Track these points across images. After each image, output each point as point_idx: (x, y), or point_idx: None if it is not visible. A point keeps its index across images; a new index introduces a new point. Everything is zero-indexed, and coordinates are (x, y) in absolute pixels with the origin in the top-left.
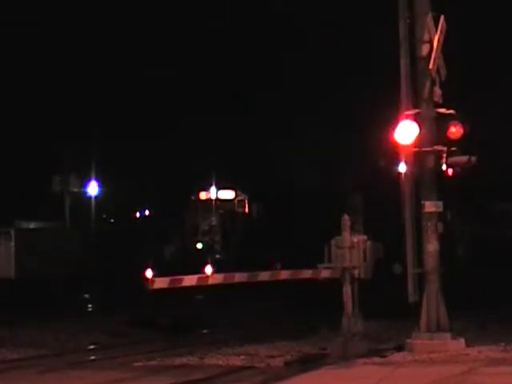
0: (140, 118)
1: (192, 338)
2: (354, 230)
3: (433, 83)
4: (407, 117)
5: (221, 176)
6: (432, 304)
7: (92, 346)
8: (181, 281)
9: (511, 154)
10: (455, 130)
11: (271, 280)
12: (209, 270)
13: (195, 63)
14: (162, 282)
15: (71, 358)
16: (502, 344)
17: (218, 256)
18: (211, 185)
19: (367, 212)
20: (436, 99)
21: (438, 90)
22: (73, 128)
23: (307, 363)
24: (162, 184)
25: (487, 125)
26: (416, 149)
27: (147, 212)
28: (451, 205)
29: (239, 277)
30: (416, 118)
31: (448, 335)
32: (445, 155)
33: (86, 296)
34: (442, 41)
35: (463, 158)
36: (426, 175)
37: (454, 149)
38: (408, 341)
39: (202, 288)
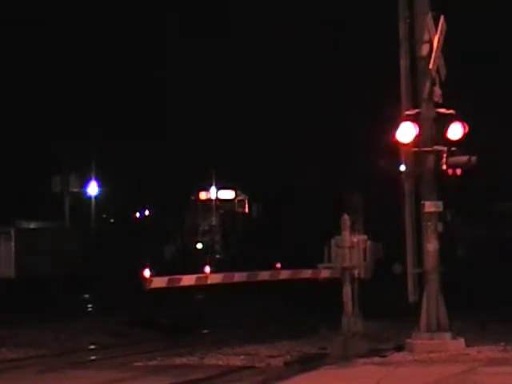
0: (140, 117)
1: (192, 338)
2: (353, 229)
3: (433, 83)
4: (407, 117)
5: (221, 176)
6: (432, 304)
7: (92, 346)
8: (179, 280)
9: (511, 154)
10: (455, 130)
11: (271, 280)
12: (208, 269)
13: (195, 63)
14: (160, 282)
15: (71, 357)
16: (502, 344)
17: (218, 256)
18: (211, 185)
19: (367, 212)
20: (436, 99)
21: (438, 90)
22: (73, 128)
23: (307, 363)
24: (162, 184)
25: (487, 125)
26: (416, 149)
27: (147, 212)
28: (451, 205)
29: (239, 276)
30: (416, 118)
31: (448, 335)
32: (445, 155)
33: (86, 296)
34: (441, 41)
35: (463, 158)
36: (426, 175)
37: (453, 149)
38: (408, 341)
39: (202, 288)
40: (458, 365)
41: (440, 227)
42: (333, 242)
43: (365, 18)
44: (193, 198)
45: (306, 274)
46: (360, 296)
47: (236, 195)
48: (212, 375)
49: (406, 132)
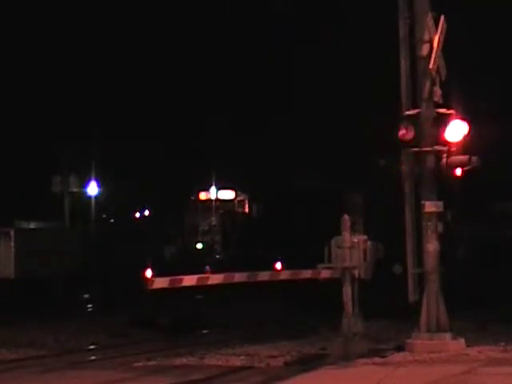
0: (140, 117)
1: (192, 338)
2: (354, 230)
3: (433, 83)
4: (407, 117)
5: (221, 176)
6: (432, 304)
7: (92, 346)
8: (180, 281)
9: (511, 154)
10: (455, 130)
11: (271, 280)
12: (208, 269)
13: (195, 63)
14: (161, 282)
15: (71, 357)
16: (502, 344)
17: (218, 256)
18: (211, 185)
19: (367, 212)
20: (436, 99)
21: (438, 90)
22: (73, 128)
23: (307, 363)
24: (162, 184)
25: (487, 125)
26: (416, 149)
27: (147, 212)
28: (451, 205)
29: (239, 277)
30: (416, 118)
31: (448, 335)
32: (445, 155)
33: (86, 296)
34: (442, 41)
35: (463, 158)
36: (426, 175)
37: (453, 149)
38: (408, 341)
39: (202, 288)
40: (458, 365)
41: (440, 227)
42: (333, 242)
43: (365, 17)
44: (193, 198)
45: (306, 274)
46: (360, 296)
47: (236, 195)
48: (212, 375)
49: (407, 132)
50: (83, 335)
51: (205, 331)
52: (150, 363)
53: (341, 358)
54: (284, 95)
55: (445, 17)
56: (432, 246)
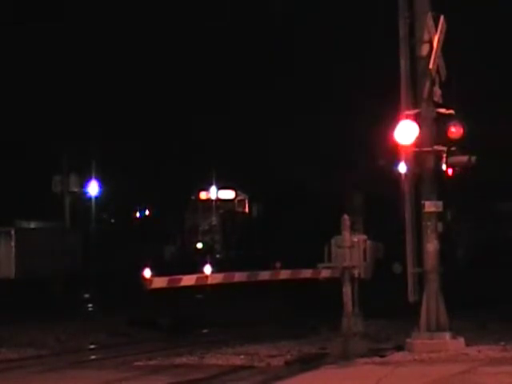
0: (140, 117)
1: (192, 338)
2: (353, 229)
3: (433, 83)
4: (407, 117)
5: (221, 176)
6: (432, 303)
7: (92, 346)
8: (179, 280)
9: (511, 154)
10: (455, 130)
11: (271, 280)
12: (208, 269)
13: (195, 63)
14: (160, 282)
15: (71, 357)
16: (502, 343)
17: (218, 256)
18: (211, 185)
19: (367, 212)
20: (436, 99)
21: (438, 90)
22: (73, 128)
23: (307, 363)
24: (162, 184)
25: (487, 125)
26: (416, 149)
27: (147, 212)
28: (451, 205)
29: (239, 276)
30: (416, 118)
31: (448, 335)
32: (445, 155)
33: (86, 296)
34: (441, 41)
35: (463, 158)
36: (426, 175)
37: (453, 149)
38: (408, 340)
39: (202, 288)
40: (458, 364)
41: (440, 227)
42: (333, 241)
43: (365, 17)
44: (193, 197)
45: (306, 273)
46: (360, 296)
47: (236, 195)
48: (212, 375)
49: (407, 132)
50: (83, 335)
51: (205, 331)
52: (151, 362)
53: (341, 358)
54: (284, 95)
55: (444, 17)
56: (432, 246)
